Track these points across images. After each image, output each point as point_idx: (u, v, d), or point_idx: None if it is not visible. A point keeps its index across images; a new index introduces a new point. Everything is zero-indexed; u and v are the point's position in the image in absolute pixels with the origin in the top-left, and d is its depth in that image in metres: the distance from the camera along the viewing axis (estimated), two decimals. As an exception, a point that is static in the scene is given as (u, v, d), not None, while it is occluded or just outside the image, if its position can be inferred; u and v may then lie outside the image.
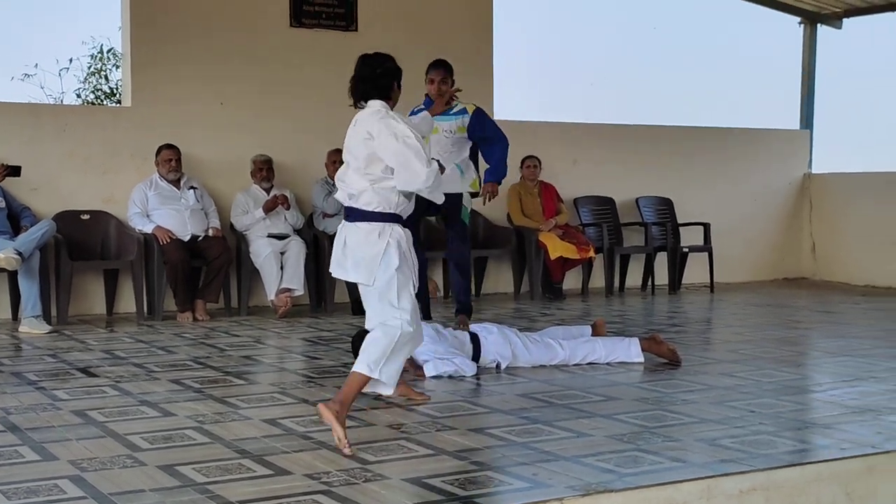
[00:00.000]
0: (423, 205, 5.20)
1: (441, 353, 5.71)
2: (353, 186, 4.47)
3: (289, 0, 9.36)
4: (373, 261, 4.36)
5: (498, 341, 5.98)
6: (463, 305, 7.51)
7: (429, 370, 5.66)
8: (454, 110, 6.93)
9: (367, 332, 5.76)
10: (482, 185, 7.33)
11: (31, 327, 7.50)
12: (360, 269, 4.40)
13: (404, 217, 4.52)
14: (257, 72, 9.11)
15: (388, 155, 4.39)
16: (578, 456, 3.94)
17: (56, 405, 4.92)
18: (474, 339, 5.98)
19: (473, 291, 9.96)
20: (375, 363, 4.29)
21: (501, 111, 10.45)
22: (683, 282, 10.77)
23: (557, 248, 9.62)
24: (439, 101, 6.77)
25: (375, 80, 4.59)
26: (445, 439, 4.26)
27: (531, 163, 10.03)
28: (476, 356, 5.91)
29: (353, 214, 4.46)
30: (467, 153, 7.33)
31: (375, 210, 4.41)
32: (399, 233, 4.43)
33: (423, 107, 6.88)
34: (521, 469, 3.75)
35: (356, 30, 9.66)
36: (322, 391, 5.24)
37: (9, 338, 7.30)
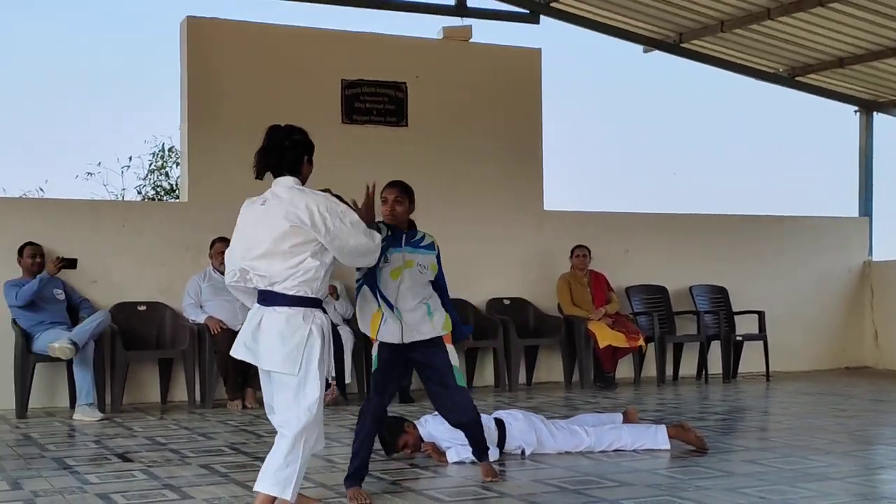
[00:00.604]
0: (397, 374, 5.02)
1: (463, 440, 5.76)
2: (271, 271, 4.22)
3: (341, 97, 9.71)
4: (297, 349, 4.18)
5: (523, 428, 6.05)
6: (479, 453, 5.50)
7: (451, 456, 5.74)
8: (424, 242, 5.13)
9: (393, 420, 5.91)
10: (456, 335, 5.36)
11: (84, 415, 7.77)
12: (283, 359, 4.18)
13: (322, 300, 4.36)
14: (308, 167, 9.41)
15: (337, 243, 4.25)
16: (570, 539, 3.98)
17: (84, 489, 5.11)
18: (500, 425, 6.05)
19: (525, 380, 10.05)
20: (285, 482, 4.15)
21: (551, 202, 10.64)
22: (740, 371, 10.69)
23: (606, 336, 9.66)
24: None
25: (283, 152, 4.31)
26: (446, 523, 4.33)
27: (581, 252, 10.12)
28: (501, 442, 5.97)
29: (272, 298, 4.23)
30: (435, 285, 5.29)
31: (297, 294, 4.22)
32: (321, 318, 4.30)
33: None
34: (508, 551, 3.81)
35: (406, 125, 9.95)
36: (339, 475, 5.34)
37: (62, 425, 7.56)
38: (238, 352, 4.33)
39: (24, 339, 8.03)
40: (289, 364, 4.18)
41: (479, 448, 5.37)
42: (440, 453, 5.80)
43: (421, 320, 4.96)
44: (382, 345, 4.98)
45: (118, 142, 19.21)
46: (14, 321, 8.12)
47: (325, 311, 4.40)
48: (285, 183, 4.32)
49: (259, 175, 4.36)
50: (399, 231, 5.03)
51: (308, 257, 4.23)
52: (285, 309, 4.22)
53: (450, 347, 5.15)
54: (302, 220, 4.20)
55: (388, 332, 4.92)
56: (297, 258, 4.21)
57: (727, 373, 10.52)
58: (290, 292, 4.23)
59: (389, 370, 4.99)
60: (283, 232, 4.20)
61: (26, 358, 8.01)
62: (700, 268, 11.10)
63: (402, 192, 5.09)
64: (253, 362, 4.30)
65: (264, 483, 4.17)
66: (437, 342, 5.06)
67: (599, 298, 10.05)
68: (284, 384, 4.22)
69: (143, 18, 19.69)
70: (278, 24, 9.71)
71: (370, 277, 4.92)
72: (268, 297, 4.26)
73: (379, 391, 4.97)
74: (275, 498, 4.21)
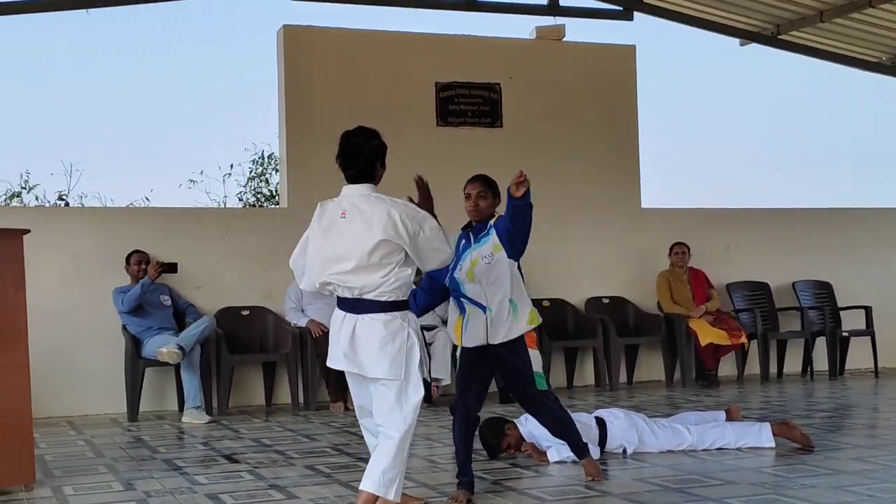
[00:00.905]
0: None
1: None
2: (362, 283, 4.19)
3: (435, 100, 9.78)
4: (399, 354, 4.19)
5: (624, 426, 6.02)
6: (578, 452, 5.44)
7: (552, 455, 5.74)
8: (483, 230, 5.00)
9: (494, 422, 5.93)
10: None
11: (192, 418, 7.97)
12: (388, 366, 4.16)
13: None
14: (404, 170, 9.45)
15: (420, 250, 4.24)
16: (674, 538, 3.95)
17: (193, 489, 5.24)
18: (600, 424, 6.03)
19: (626, 379, 9.99)
20: (390, 483, 4.17)
21: (648, 199, 10.55)
22: (847, 367, 10.47)
23: (708, 334, 9.55)
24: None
25: (364, 158, 4.29)
26: (547, 521, 4.34)
27: (680, 249, 10.02)
28: (602, 441, 5.95)
29: (364, 306, 4.21)
30: (514, 274, 5.02)
31: (391, 300, 4.21)
32: (415, 320, 4.31)
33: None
34: (611, 550, 3.80)
35: (501, 126, 9.97)
36: (443, 475, 5.40)
37: (171, 428, 7.76)
38: (338, 363, 4.30)
39: (134, 344, 8.26)
40: (394, 370, 4.18)
41: (576, 447, 5.34)
42: (540, 453, 5.81)
43: (503, 321, 4.90)
44: (465, 349, 5.01)
45: (219, 150, 19.62)
46: (124, 327, 8.36)
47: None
48: (361, 191, 4.29)
49: (353, 180, 4.33)
50: (466, 232, 5.02)
51: (399, 266, 4.21)
52: (381, 315, 4.20)
53: (533, 353, 5.13)
54: (387, 231, 4.17)
55: (470, 335, 4.93)
56: (388, 268, 4.19)
57: (833, 369, 10.31)
58: (383, 298, 4.21)
59: (470, 370, 4.98)
60: (373, 245, 4.17)
61: (136, 363, 8.24)
62: (803, 263, 10.88)
63: (485, 186, 4.99)
64: (356, 371, 4.25)
65: (369, 483, 4.21)
66: (516, 345, 4.97)
67: (700, 296, 9.94)
68: (386, 389, 4.21)
69: (243, 28, 20.05)
70: (372, 29, 9.82)
71: (454, 289, 4.94)
72: (358, 306, 4.23)
73: (461, 391, 4.97)
74: (377, 497, 4.26)
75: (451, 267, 4.91)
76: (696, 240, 10.24)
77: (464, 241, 4.99)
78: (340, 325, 4.28)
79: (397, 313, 4.22)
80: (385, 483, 4.18)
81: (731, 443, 6.03)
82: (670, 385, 9.84)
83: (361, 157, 4.31)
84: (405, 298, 4.27)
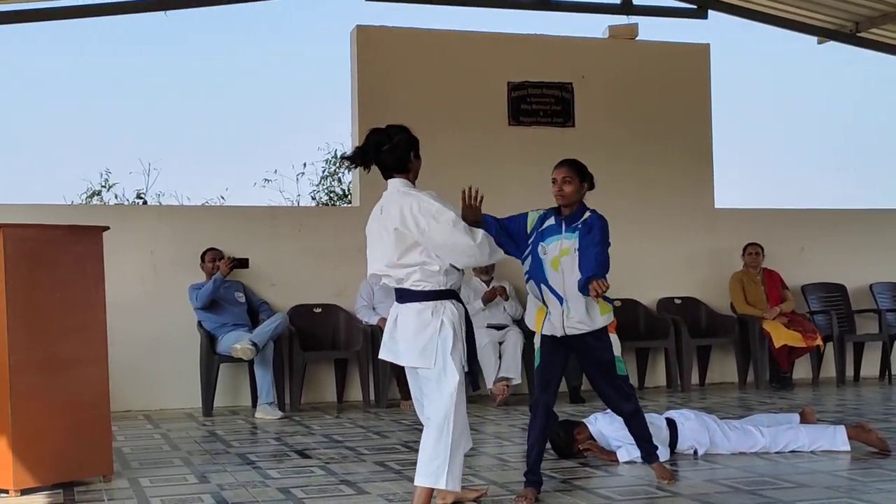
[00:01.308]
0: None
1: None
2: (397, 275, 4.38)
3: (507, 99, 9.78)
4: (430, 342, 4.30)
5: (695, 428, 5.97)
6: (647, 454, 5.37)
7: (622, 455, 5.72)
8: (579, 223, 4.92)
9: (564, 424, 5.90)
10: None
11: (265, 413, 8.08)
12: (419, 354, 4.31)
13: (457, 290, 4.43)
14: (475, 169, 9.48)
15: (432, 243, 4.31)
16: (744, 540, 3.92)
17: (266, 483, 5.32)
18: (671, 424, 5.99)
19: (698, 380, 9.90)
20: (438, 472, 4.27)
21: (722, 199, 10.46)
22: (927, 371, 10.26)
23: (782, 336, 9.43)
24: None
25: (379, 154, 4.43)
26: (617, 521, 4.33)
27: (753, 250, 9.91)
28: (672, 442, 5.91)
29: (405, 295, 4.39)
30: None
31: (425, 289, 4.34)
32: (452, 310, 4.36)
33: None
34: (680, 550, 3.78)
35: (573, 126, 9.95)
36: (513, 473, 5.41)
37: (245, 423, 7.87)
38: (382, 354, 4.49)
39: (209, 340, 8.40)
40: (425, 358, 4.31)
41: (645, 447, 5.28)
42: (609, 453, 5.79)
43: (584, 312, 4.87)
44: (544, 338, 4.96)
45: (293, 150, 19.86)
46: (199, 323, 8.50)
47: (461, 302, 4.47)
48: (395, 185, 4.46)
49: (387, 176, 4.50)
50: (559, 217, 4.95)
51: (419, 255, 4.33)
52: (416, 304, 4.36)
53: (613, 337, 5.13)
54: (397, 223, 4.32)
55: (550, 324, 4.91)
56: (409, 258, 4.33)
57: (912, 373, 10.12)
58: (418, 288, 4.35)
59: (551, 364, 4.96)
60: (393, 238, 4.35)
61: (211, 359, 8.38)
62: (881, 265, 10.69)
63: (572, 170, 4.92)
64: (395, 361, 4.43)
65: (418, 476, 4.32)
66: (599, 333, 4.98)
67: (774, 297, 9.81)
68: (426, 378, 4.38)
69: (317, 29, 20.26)
70: (444, 29, 9.86)
71: (535, 271, 4.91)
72: (402, 295, 4.43)
73: (543, 387, 4.95)
74: (433, 491, 4.29)
75: (532, 242, 4.90)
76: (770, 241, 10.11)
77: (553, 224, 4.92)
78: (391, 314, 4.49)
79: (431, 303, 4.33)
80: (432, 473, 4.27)
81: (805, 445, 5.95)
82: (743, 387, 9.73)
83: (384, 153, 4.44)
84: (444, 288, 4.36)
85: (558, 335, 4.92)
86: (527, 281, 4.99)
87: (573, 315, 4.87)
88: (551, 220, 4.94)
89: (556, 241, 4.88)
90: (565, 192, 4.90)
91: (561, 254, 4.84)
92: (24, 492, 5.08)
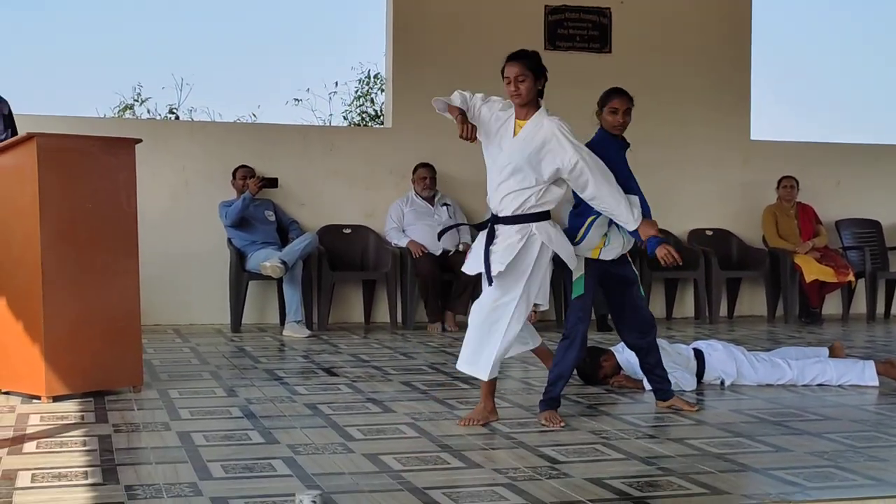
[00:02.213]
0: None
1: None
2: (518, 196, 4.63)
3: (544, 23, 9.65)
4: (511, 248, 4.56)
5: (722, 358, 5.96)
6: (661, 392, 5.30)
7: (648, 384, 5.71)
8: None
9: (592, 351, 5.89)
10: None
11: (293, 331, 8.13)
12: (501, 256, 4.57)
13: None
14: (510, 93, 9.40)
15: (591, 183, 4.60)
16: (769, 469, 3.92)
17: (293, 398, 5.37)
18: (699, 355, 5.97)
19: (726, 312, 9.87)
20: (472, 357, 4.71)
21: (758, 131, 10.32)
22: (960, 309, 10.18)
23: (813, 271, 9.36)
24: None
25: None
26: (641, 446, 4.34)
27: (788, 183, 9.80)
28: (700, 372, 5.90)
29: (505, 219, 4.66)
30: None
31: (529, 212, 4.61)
32: (548, 230, 4.62)
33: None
34: (704, 477, 3.78)
35: (610, 52, 9.81)
36: (535, 397, 5.41)
37: (273, 340, 7.93)
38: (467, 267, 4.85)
39: (239, 257, 8.42)
40: (505, 257, 4.59)
41: (658, 381, 5.21)
42: (636, 382, 5.79)
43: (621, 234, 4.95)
44: (589, 268, 4.92)
45: (326, 69, 19.73)
46: (229, 240, 8.52)
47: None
48: (541, 115, 4.80)
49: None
50: (617, 140, 5.01)
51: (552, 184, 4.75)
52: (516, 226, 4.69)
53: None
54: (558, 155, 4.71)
55: (612, 248, 4.94)
56: (543, 186, 4.72)
57: (943, 311, 10.05)
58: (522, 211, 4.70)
59: (593, 295, 4.98)
60: (535, 163, 4.72)
61: (240, 276, 8.41)
62: (918, 202, 10.56)
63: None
64: (476, 270, 4.71)
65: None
66: (626, 257, 5.05)
67: (807, 231, 9.73)
68: (503, 276, 4.65)
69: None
70: (483, -51, 9.69)
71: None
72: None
73: (587, 318, 4.95)
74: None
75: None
76: (805, 174, 9.99)
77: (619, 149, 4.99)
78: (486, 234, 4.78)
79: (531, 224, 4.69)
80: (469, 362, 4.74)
81: (833, 379, 5.93)
82: (772, 321, 9.69)
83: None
84: (547, 209, 4.72)
85: (615, 257, 4.96)
86: (580, 213, 4.93)
87: (613, 240, 4.93)
88: (618, 147, 5.02)
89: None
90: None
91: None
92: (56, 398, 5.15)
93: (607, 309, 8.60)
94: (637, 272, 5.11)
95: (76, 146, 5.29)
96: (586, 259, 4.93)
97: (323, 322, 8.62)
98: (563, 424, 4.72)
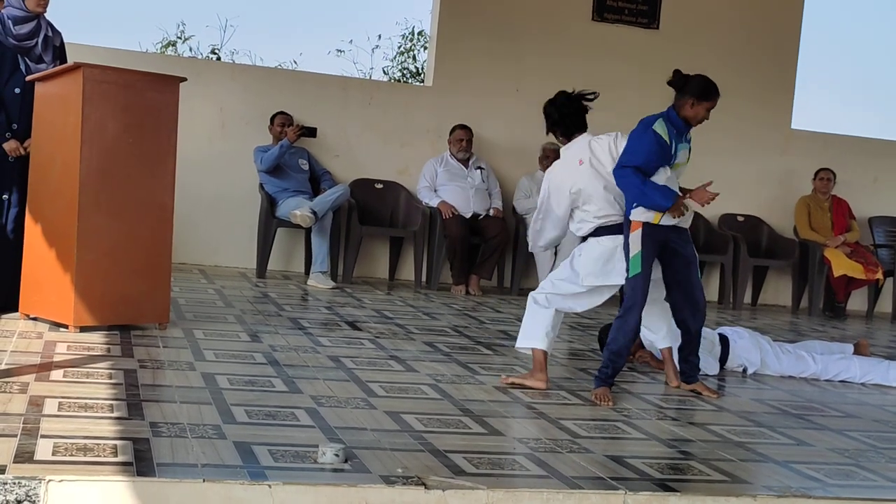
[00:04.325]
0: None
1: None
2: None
3: (593, -6, 9.57)
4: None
5: (747, 346, 5.93)
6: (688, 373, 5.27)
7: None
8: (688, 134, 5.31)
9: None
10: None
11: (318, 282, 8.14)
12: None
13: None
14: (555, 63, 9.34)
15: None
16: (790, 462, 3.91)
17: (316, 349, 5.38)
18: (724, 341, 5.95)
19: (751, 300, 9.83)
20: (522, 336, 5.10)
21: (799, 121, 10.23)
22: None
23: (842, 265, 9.30)
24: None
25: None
26: (663, 428, 4.34)
27: (825, 175, 9.72)
28: (723, 358, 5.89)
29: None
30: None
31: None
32: (614, 241, 4.93)
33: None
34: (725, 464, 3.78)
35: (657, 28, 9.72)
36: (559, 369, 5.42)
37: (297, 289, 7.95)
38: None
39: (269, 203, 8.43)
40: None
41: (690, 363, 5.18)
42: (660, 361, 5.77)
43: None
44: (648, 245, 4.82)
45: (370, 22, 19.60)
46: (261, 186, 8.53)
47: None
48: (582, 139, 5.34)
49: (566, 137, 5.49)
50: (668, 125, 5.08)
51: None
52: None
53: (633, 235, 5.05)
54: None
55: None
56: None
57: (974, 316, 9.97)
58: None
59: (650, 270, 4.87)
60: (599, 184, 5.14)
61: (269, 222, 8.42)
62: (953, 203, 10.47)
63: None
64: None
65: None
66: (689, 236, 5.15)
67: (839, 225, 9.66)
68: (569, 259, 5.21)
69: None
70: (537, -88, 9.59)
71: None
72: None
73: (643, 297, 4.83)
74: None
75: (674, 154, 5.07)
76: (843, 168, 9.92)
77: (675, 134, 5.09)
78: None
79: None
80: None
81: (856, 377, 5.91)
82: (796, 312, 9.66)
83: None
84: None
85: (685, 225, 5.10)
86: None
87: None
88: (673, 131, 5.11)
89: (682, 148, 5.18)
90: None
91: (682, 162, 5.21)
92: (83, 329, 5.18)
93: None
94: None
95: (122, 80, 5.28)
96: (645, 226, 4.87)
97: (348, 275, 8.63)
98: (611, 405, 4.70)
